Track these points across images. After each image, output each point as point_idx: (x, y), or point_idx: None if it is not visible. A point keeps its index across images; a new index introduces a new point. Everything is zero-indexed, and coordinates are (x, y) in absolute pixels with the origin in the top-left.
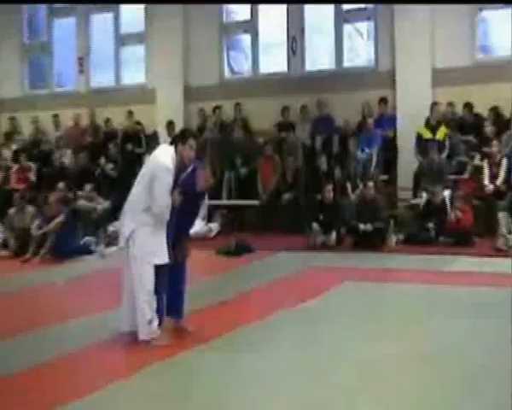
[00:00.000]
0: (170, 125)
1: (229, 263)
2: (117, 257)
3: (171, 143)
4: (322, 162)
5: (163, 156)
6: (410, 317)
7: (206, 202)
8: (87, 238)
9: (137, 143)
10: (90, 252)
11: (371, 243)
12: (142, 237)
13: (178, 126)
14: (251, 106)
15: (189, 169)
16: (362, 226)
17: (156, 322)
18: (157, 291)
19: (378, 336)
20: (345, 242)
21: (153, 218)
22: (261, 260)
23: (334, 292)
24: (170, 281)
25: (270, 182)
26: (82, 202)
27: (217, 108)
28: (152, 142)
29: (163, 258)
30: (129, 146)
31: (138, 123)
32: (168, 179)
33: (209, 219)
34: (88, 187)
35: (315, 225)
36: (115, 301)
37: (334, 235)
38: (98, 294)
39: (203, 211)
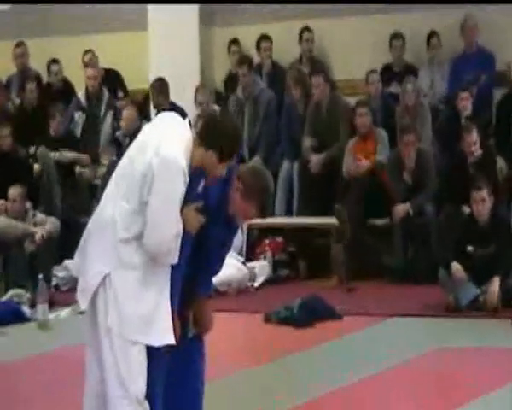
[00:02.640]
0: (158, 85)
1: (291, 339)
2: (72, 330)
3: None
4: (472, 143)
5: (172, 141)
6: None
7: (246, 223)
8: (13, 292)
9: (110, 110)
10: (18, 319)
11: None
12: (123, 293)
13: (190, 81)
14: (329, 33)
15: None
16: None
17: None
18: (151, 396)
19: None
20: None
21: (144, 256)
22: (353, 334)
23: (495, 402)
24: (176, 377)
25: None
26: (3, 222)
27: (263, 38)
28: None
29: (163, 335)
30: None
31: (111, 72)
32: (179, 186)
33: (251, 254)
34: (14, 192)
35: (456, 267)
36: None
37: (496, 285)
38: (32, 405)
39: (239, 239)
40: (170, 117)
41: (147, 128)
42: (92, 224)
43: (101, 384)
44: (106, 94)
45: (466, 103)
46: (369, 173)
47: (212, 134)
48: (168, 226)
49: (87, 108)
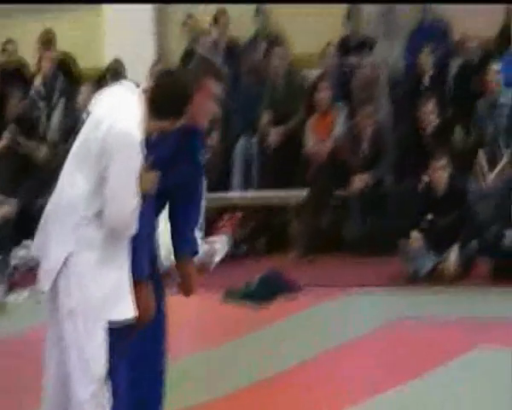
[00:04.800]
0: (113, 67)
1: (252, 316)
2: (31, 312)
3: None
4: (429, 113)
5: (125, 114)
6: None
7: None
8: None
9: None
10: None
11: None
12: (85, 274)
13: (146, 58)
14: (285, 7)
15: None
16: (509, 236)
17: None
18: (114, 375)
19: None
20: (476, 268)
21: (105, 234)
22: (312, 308)
23: (454, 371)
24: (138, 355)
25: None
26: None
27: (220, 13)
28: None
29: (125, 309)
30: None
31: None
32: (136, 160)
33: (210, 230)
34: None
35: (415, 236)
36: (27, 400)
37: (454, 254)
38: None
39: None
40: (121, 89)
41: (99, 102)
42: (51, 205)
43: (61, 366)
44: (60, 79)
45: (427, 59)
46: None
47: (162, 104)
48: (127, 201)
49: (44, 93)
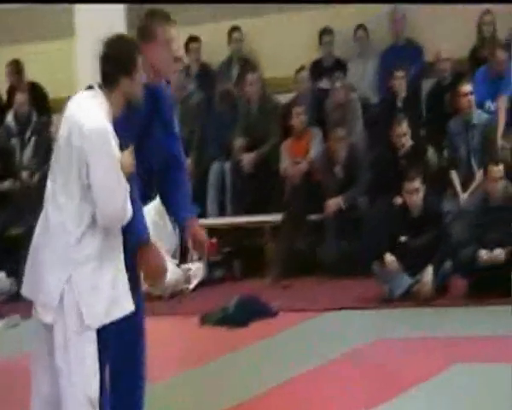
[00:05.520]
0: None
1: (228, 340)
2: (6, 342)
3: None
4: (402, 134)
5: (87, 111)
6: None
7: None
8: None
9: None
10: None
11: (503, 285)
12: (86, 287)
13: None
14: (258, 33)
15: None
16: (484, 255)
17: None
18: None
19: None
20: (451, 288)
21: (99, 241)
22: (289, 330)
23: (433, 388)
24: (118, 362)
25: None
26: None
27: (191, 39)
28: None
29: (123, 306)
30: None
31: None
32: (112, 149)
33: (185, 255)
34: None
35: (390, 258)
36: None
37: (429, 275)
38: None
39: (173, 241)
40: (77, 96)
41: (64, 120)
42: (39, 236)
43: (54, 389)
44: (33, 115)
45: (402, 82)
46: (304, 172)
47: (110, 72)
48: (116, 194)
49: (17, 131)
